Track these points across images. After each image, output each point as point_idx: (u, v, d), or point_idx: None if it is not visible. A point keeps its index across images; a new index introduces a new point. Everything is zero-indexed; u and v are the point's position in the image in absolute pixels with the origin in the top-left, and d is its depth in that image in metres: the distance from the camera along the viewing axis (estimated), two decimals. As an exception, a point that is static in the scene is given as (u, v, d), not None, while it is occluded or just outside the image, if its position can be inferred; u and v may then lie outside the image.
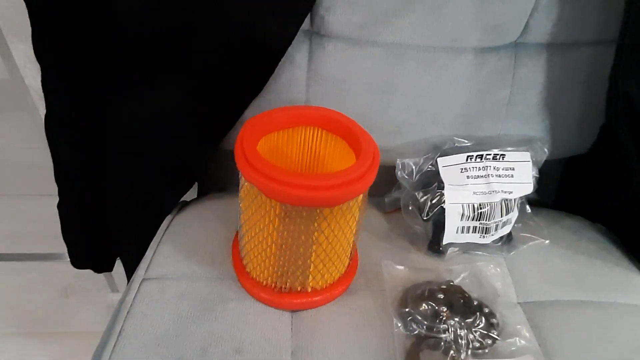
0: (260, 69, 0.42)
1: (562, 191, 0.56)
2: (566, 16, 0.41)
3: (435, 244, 0.45)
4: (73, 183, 0.52)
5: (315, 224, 0.35)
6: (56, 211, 0.54)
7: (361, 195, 0.36)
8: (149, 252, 0.44)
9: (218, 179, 0.56)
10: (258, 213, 0.35)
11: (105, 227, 0.56)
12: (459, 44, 0.41)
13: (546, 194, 0.57)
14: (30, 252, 0.94)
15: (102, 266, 0.62)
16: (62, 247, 0.59)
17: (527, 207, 0.48)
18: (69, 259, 0.60)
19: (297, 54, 0.42)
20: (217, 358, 0.36)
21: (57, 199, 0.53)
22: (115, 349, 0.36)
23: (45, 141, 0.49)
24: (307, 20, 0.41)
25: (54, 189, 0.53)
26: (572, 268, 0.45)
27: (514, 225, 0.47)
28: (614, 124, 0.42)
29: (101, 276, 0.82)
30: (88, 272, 0.63)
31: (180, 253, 0.44)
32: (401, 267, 0.43)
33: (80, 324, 0.86)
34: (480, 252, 0.46)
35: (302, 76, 0.43)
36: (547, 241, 0.48)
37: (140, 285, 0.41)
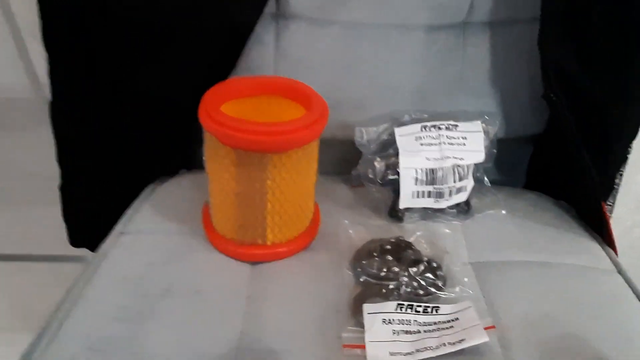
0: (232, 48, 0.47)
1: (531, 173, 0.58)
2: (505, -5, 0.45)
3: (393, 209, 0.48)
4: (75, 162, 0.58)
5: (267, 172, 0.39)
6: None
7: (313, 147, 0.40)
8: (128, 211, 0.48)
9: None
10: (216, 162, 0.40)
11: (105, 205, 0.61)
12: (409, 22, 0.46)
13: (517, 178, 0.59)
14: (43, 254, 1.00)
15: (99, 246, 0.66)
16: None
17: (485, 179, 0.50)
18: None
19: (266, 35, 0.48)
20: (178, 296, 0.39)
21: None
22: (90, 283, 0.40)
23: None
24: (274, 4, 0.46)
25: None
26: (525, 234, 0.47)
27: (474, 200, 0.50)
28: (550, 93, 0.44)
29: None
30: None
31: (158, 214, 0.48)
32: (359, 228, 0.46)
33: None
34: (439, 220, 0.49)
35: (270, 55, 0.48)
36: (504, 211, 0.50)
37: (118, 238, 0.45)
